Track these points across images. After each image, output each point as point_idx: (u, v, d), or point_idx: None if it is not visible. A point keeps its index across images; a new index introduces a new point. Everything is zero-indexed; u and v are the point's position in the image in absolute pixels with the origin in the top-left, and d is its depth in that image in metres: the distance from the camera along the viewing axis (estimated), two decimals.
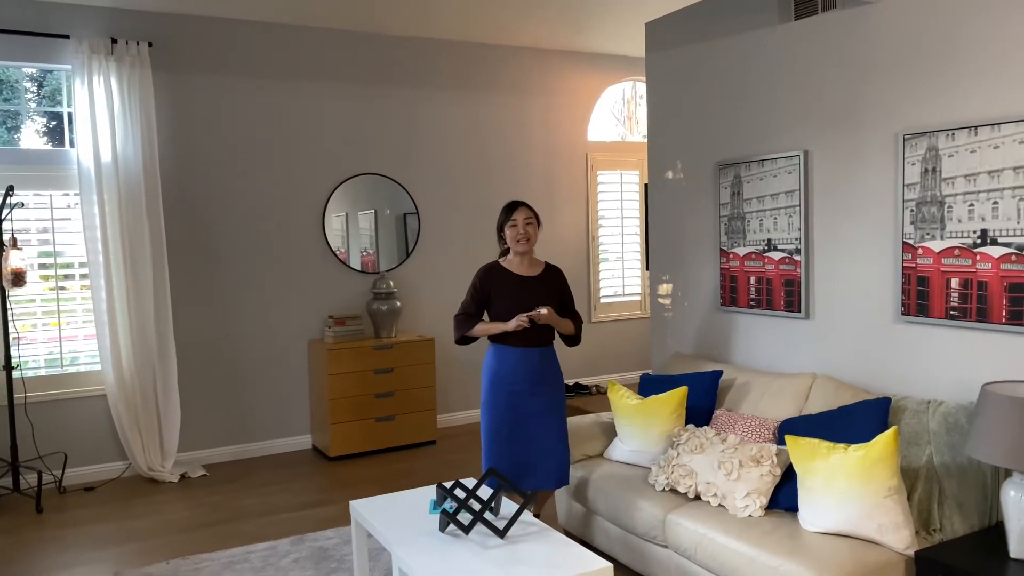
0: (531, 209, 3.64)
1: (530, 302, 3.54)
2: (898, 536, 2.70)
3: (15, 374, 4.82)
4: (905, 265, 3.36)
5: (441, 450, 5.69)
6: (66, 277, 5.13)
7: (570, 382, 6.61)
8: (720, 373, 3.91)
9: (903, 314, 3.38)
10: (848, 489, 2.77)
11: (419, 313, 6.14)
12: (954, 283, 3.19)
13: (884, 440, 2.76)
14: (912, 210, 3.32)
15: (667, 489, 3.36)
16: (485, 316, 3.70)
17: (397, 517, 3.02)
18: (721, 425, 3.57)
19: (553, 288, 3.67)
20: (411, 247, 6.13)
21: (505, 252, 3.70)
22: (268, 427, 5.69)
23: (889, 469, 2.74)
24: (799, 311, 3.88)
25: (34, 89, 5.19)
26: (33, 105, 5.18)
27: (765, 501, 3.06)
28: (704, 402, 3.83)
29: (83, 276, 5.12)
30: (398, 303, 5.77)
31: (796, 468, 2.95)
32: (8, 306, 4.76)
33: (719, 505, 3.15)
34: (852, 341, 3.64)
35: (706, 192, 4.43)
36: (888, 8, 3.42)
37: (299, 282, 5.74)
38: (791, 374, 3.76)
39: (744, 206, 4.16)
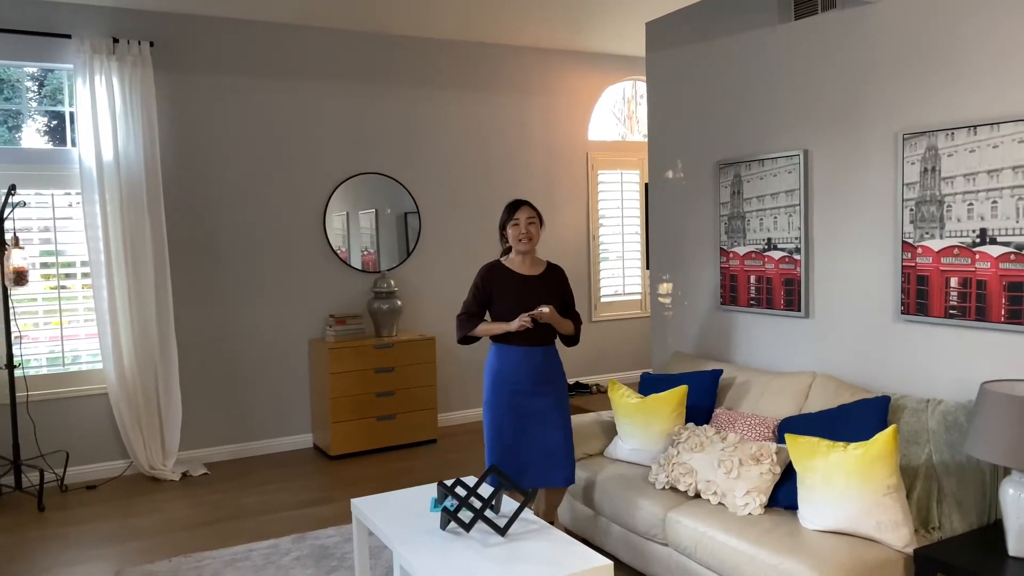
0: (534, 208, 3.62)
1: (532, 301, 3.53)
2: (897, 534, 2.71)
3: (17, 373, 4.83)
4: (904, 264, 3.37)
5: (442, 449, 5.70)
6: (67, 276, 5.14)
7: (571, 381, 6.61)
8: (720, 372, 3.92)
9: (902, 313, 3.39)
10: (847, 487, 2.78)
11: (420, 312, 6.15)
12: (953, 282, 3.20)
13: (883, 438, 2.77)
14: (911, 209, 3.33)
15: (667, 487, 3.37)
16: (487, 316, 3.69)
17: (398, 515, 3.03)
18: (721, 424, 3.58)
19: (555, 287, 3.66)
20: (412, 246, 6.14)
21: (507, 251, 3.68)
22: (269, 426, 5.70)
23: (888, 467, 2.75)
24: (799, 310, 3.89)
25: (35, 88, 5.20)
26: (34, 104, 5.19)
27: (765, 499, 3.07)
28: (704, 401, 3.84)
29: (84, 275, 5.14)
30: (399, 302, 5.78)
31: (796, 466, 2.96)
32: (10, 305, 4.78)
33: (719, 503, 3.16)
34: (852, 340, 3.65)
35: (706, 191, 4.44)
36: (888, 8, 3.43)
37: (300, 281, 5.75)
38: (791, 373, 3.77)
39: (744, 205, 4.17)
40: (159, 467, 5.15)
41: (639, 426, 3.72)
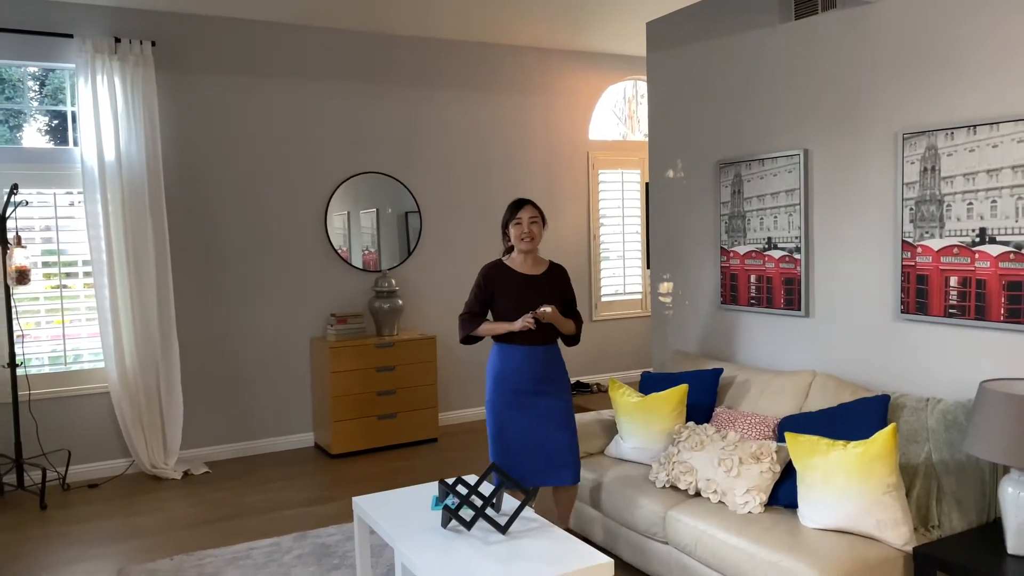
0: (537, 208, 3.61)
1: (534, 301, 3.52)
2: (897, 532, 2.72)
3: (19, 371, 4.85)
4: (904, 263, 3.38)
5: (443, 448, 5.71)
6: (69, 275, 5.15)
7: (571, 380, 6.61)
8: (720, 371, 3.93)
9: (902, 312, 3.40)
10: (847, 486, 2.79)
11: (421, 311, 6.16)
12: (953, 281, 3.21)
13: (883, 437, 2.78)
14: (911, 209, 3.34)
15: (667, 486, 3.38)
16: (489, 315, 3.70)
17: (399, 513, 3.04)
18: (721, 422, 3.59)
19: (557, 287, 3.66)
20: (413, 246, 6.15)
21: (509, 250, 3.68)
22: (270, 425, 5.71)
23: (888, 466, 2.76)
24: (799, 309, 3.89)
25: (37, 88, 5.21)
26: (36, 104, 5.20)
27: (765, 498, 3.08)
28: (704, 400, 3.84)
29: (86, 274, 5.15)
30: (400, 301, 5.79)
31: (795, 465, 2.97)
32: (12, 304, 4.79)
33: (719, 502, 3.17)
34: (852, 339, 3.66)
35: (707, 191, 4.45)
36: (888, 8, 3.43)
37: (301, 280, 5.76)
38: (791, 372, 3.78)
39: (744, 205, 4.18)
40: (161, 466, 5.16)
41: (640, 425, 3.73)
